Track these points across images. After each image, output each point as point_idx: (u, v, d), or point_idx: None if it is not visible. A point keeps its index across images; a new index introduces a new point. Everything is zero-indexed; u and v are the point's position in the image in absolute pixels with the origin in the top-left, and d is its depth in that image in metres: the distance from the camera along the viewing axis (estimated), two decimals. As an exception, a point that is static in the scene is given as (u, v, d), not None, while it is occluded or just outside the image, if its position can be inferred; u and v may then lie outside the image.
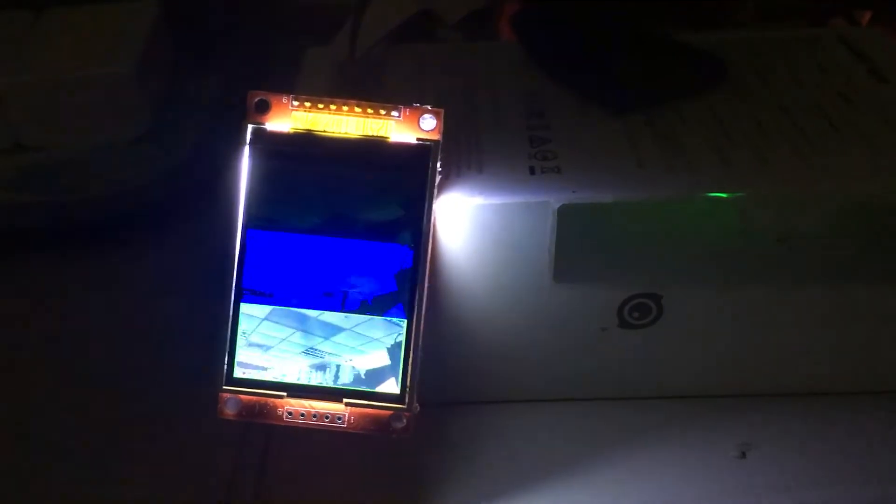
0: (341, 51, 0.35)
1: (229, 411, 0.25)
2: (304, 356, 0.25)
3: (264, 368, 0.25)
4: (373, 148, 0.25)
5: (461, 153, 0.27)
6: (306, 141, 0.25)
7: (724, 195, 0.25)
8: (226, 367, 0.25)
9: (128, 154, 0.40)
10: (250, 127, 0.25)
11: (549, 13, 0.32)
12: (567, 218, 0.25)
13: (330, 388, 0.25)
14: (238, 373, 0.25)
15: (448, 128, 0.25)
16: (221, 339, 0.25)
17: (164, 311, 0.34)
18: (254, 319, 0.25)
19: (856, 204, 0.25)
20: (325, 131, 0.25)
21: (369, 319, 0.25)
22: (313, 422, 0.25)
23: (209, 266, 0.35)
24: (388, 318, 0.25)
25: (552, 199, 0.25)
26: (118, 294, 0.36)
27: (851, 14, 0.52)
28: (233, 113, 0.42)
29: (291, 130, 0.25)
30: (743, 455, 0.27)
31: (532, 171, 0.27)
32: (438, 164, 0.25)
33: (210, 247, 0.36)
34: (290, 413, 0.25)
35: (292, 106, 0.25)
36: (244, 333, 0.25)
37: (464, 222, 0.26)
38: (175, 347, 0.33)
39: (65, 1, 0.45)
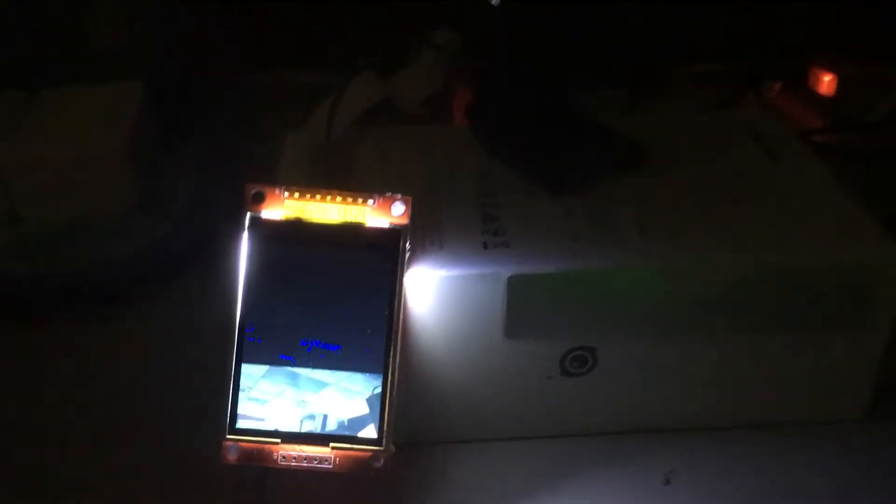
0: (316, 134, 0.40)
1: (231, 457, 0.29)
2: (296, 408, 0.29)
3: (262, 419, 0.29)
4: (352, 232, 0.30)
5: (425, 231, 0.32)
6: (297, 227, 0.30)
7: (642, 266, 0.31)
8: (228, 418, 0.29)
9: (118, 224, 0.44)
10: (248, 215, 0.30)
11: (497, 104, 0.37)
12: (515, 286, 0.30)
13: (318, 434, 0.29)
14: (239, 423, 0.29)
15: (413, 209, 0.30)
16: (224, 394, 0.30)
17: (161, 370, 0.38)
18: (253, 378, 0.29)
19: (752, 270, 0.31)
20: (312, 219, 0.30)
21: (351, 375, 0.30)
22: (304, 464, 0.29)
23: (199, 329, 0.39)
24: (367, 374, 0.30)
25: (503, 271, 0.30)
26: (115, 357, 0.39)
27: (765, 83, 0.59)
28: (218, 183, 0.46)
29: (284, 218, 0.30)
30: (668, 482, 0.32)
31: (485, 245, 0.32)
32: (407, 244, 0.30)
33: (197, 312, 0.40)
34: (284, 457, 0.29)
35: (284, 196, 0.30)
36: (245, 390, 0.29)
37: (429, 291, 0.31)
38: (165, 406, 0.36)
39: (56, 82, 0.49)
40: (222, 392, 0.30)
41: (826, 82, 0.58)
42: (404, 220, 0.30)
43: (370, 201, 0.30)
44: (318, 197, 0.30)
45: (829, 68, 0.58)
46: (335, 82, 0.54)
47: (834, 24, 0.59)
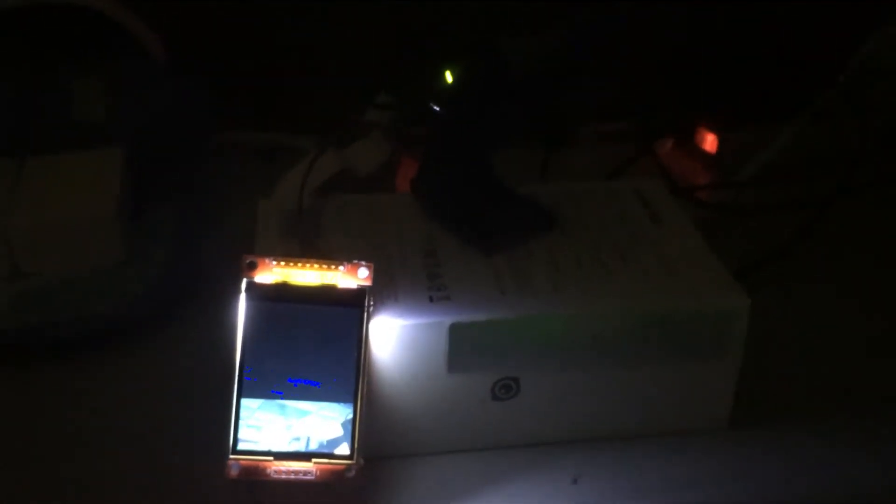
0: (283, 202, 0.48)
1: (233, 472, 0.37)
2: (285, 432, 0.37)
3: (257, 442, 0.37)
4: (327, 292, 0.38)
5: (383, 289, 0.40)
6: (283, 289, 0.38)
7: (554, 314, 0.39)
8: (231, 441, 0.37)
9: (109, 278, 0.50)
10: (244, 280, 0.38)
11: (436, 181, 0.46)
12: (455, 332, 0.39)
13: (303, 452, 0.37)
14: (240, 446, 0.37)
15: (374, 272, 0.38)
16: (227, 423, 0.37)
17: (151, 412, 0.44)
18: (250, 409, 0.37)
19: (634, 316, 0.40)
20: (295, 282, 0.38)
21: (328, 405, 0.37)
22: (292, 477, 0.37)
23: (187, 369, 0.46)
24: (341, 404, 0.37)
25: (445, 320, 0.39)
26: (108, 399, 0.45)
27: (659, 140, 0.69)
28: (192, 242, 0.54)
29: (273, 282, 0.38)
30: (575, 481, 0.40)
31: (431, 299, 0.40)
32: (371, 301, 0.38)
33: (185, 354, 0.47)
34: (275, 471, 0.37)
35: (273, 265, 0.38)
36: (244, 419, 0.37)
37: (388, 337, 0.39)
38: (147, 438, 0.42)
39: (42, 149, 0.55)
40: (225, 421, 0.37)
41: (709, 140, 0.69)
42: (368, 282, 0.38)
43: (341, 267, 0.38)
44: (299, 264, 0.38)
45: (712, 128, 0.69)
46: (287, 142, 0.62)
47: (718, 89, 0.69)
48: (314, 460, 0.37)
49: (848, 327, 0.50)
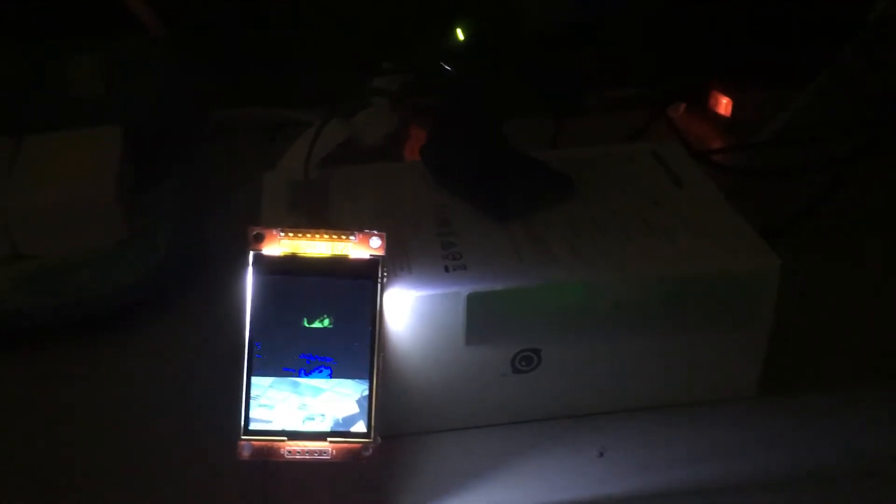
0: (289, 173, 0.46)
1: (245, 454, 0.35)
2: (299, 410, 0.36)
3: (270, 421, 0.35)
4: (339, 263, 0.36)
5: (396, 259, 0.39)
6: (292, 261, 0.36)
7: (574, 280, 0.38)
8: (242, 421, 0.35)
9: (110, 258, 0.48)
10: (251, 253, 0.36)
11: (447, 146, 0.44)
12: (473, 302, 0.37)
13: (318, 431, 0.35)
14: (251, 426, 0.35)
15: (387, 242, 0.37)
16: (237, 402, 0.35)
17: (157, 394, 0.43)
18: (262, 388, 0.35)
19: (659, 282, 0.38)
20: (304, 254, 0.36)
21: (343, 381, 0.36)
22: (307, 457, 0.35)
23: (194, 347, 0.45)
24: (356, 380, 0.36)
25: (462, 290, 0.37)
26: (112, 382, 0.44)
27: (672, 104, 0.67)
28: (195, 220, 0.52)
29: (282, 254, 0.36)
30: (601, 454, 0.39)
31: (446, 269, 0.38)
32: (384, 272, 0.36)
33: (192, 332, 0.46)
34: (289, 451, 0.35)
35: (280, 236, 0.36)
36: (255, 398, 0.35)
37: (403, 309, 0.37)
38: (157, 419, 0.41)
39: (40, 127, 0.54)
40: (235, 400, 0.35)
41: (724, 104, 0.67)
42: (381, 252, 0.36)
43: (352, 237, 0.37)
44: (308, 235, 0.36)
45: (726, 92, 0.67)
46: (290, 117, 0.60)
47: (732, 54, 0.67)
48: (330, 439, 0.35)
49: (875, 291, 0.49)
